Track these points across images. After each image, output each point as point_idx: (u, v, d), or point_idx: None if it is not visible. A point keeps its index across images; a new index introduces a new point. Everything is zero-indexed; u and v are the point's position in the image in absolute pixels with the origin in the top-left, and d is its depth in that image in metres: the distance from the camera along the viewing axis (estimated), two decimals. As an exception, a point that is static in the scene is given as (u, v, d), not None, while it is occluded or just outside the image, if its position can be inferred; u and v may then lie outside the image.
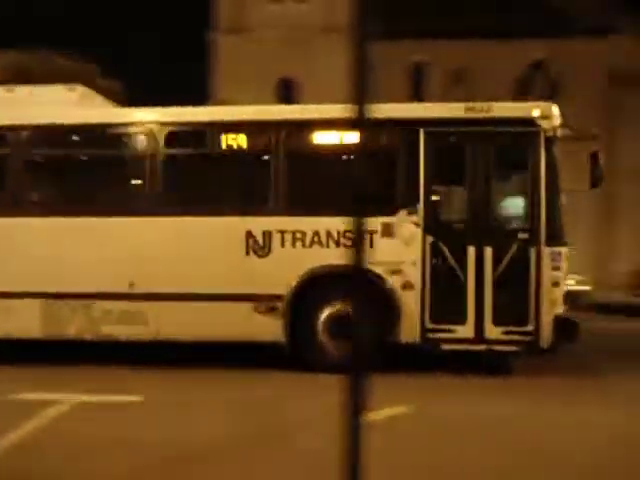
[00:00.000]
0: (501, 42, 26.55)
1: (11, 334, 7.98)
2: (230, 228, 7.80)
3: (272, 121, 8.05)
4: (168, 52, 26.37)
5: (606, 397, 6.73)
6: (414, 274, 7.52)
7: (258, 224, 7.74)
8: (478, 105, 7.67)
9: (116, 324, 7.89)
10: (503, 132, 7.65)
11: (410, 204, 7.58)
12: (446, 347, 7.60)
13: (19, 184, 8.27)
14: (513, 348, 7.57)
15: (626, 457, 4.80)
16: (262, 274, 7.66)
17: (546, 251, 7.46)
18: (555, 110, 7.62)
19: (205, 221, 7.89)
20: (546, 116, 7.56)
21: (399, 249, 7.53)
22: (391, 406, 5.61)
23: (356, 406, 2.49)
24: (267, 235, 7.71)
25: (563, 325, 7.48)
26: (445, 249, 7.55)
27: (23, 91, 8.64)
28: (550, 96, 27.79)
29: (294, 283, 7.62)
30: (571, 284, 11.29)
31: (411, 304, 7.52)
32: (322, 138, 7.96)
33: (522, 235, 7.58)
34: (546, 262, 7.45)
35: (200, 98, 24.88)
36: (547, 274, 7.46)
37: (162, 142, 7.96)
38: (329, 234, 7.59)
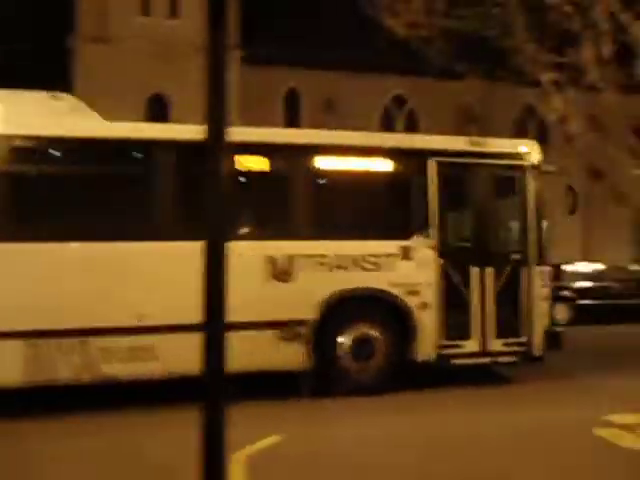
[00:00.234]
0: (364, 75, 28.20)
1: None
2: (250, 253, 7.45)
3: (296, 145, 8.10)
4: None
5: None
6: (430, 295, 8.17)
7: (279, 249, 7.69)
8: (481, 140, 8.62)
9: (120, 362, 7.13)
10: (498, 164, 8.68)
11: (424, 228, 8.25)
12: (456, 362, 8.27)
13: None
14: (512, 359, 8.51)
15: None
16: (285, 300, 7.62)
17: (536, 270, 8.54)
18: (537, 147, 8.84)
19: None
20: (530, 151, 8.78)
21: (416, 271, 8.15)
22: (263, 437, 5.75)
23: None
24: (290, 260, 7.69)
25: (550, 335, 8.58)
26: (455, 270, 8.33)
27: None
28: (410, 128, 30.14)
29: (318, 307, 7.74)
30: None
31: (427, 323, 8.12)
32: (342, 164, 8.15)
33: (516, 256, 8.61)
34: (536, 280, 8.54)
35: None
36: (537, 290, 8.54)
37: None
38: (352, 258, 7.87)
